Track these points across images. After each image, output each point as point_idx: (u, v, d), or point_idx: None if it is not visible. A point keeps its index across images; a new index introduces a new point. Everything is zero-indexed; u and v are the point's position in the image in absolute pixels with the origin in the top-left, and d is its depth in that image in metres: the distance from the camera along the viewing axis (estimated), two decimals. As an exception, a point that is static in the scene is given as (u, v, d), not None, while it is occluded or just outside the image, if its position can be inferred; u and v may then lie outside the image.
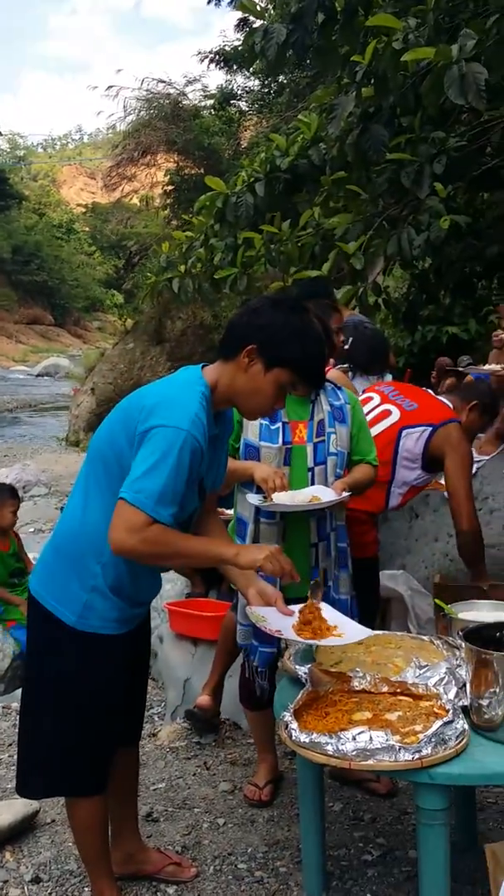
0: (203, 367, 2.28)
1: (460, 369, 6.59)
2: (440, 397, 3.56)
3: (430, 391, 3.66)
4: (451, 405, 3.50)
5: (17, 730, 2.54)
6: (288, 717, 2.12)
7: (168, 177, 17.68)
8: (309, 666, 2.37)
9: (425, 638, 2.62)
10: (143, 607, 2.45)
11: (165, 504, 2.05)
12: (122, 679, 2.37)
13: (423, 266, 6.20)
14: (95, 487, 2.25)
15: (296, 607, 2.43)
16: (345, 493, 2.82)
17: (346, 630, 2.39)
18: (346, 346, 4.43)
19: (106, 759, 2.39)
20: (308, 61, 7.09)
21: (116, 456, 2.19)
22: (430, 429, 3.34)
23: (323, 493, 2.81)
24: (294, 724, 2.08)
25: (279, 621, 2.31)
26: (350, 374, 4.55)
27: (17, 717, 2.63)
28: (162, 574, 2.53)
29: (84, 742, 2.31)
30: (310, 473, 2.87)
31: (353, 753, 1.94)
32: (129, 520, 2.04)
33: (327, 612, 2.44)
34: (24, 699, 2.43)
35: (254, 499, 2.79)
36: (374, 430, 3.35)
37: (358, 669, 2.34)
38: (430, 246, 4.82)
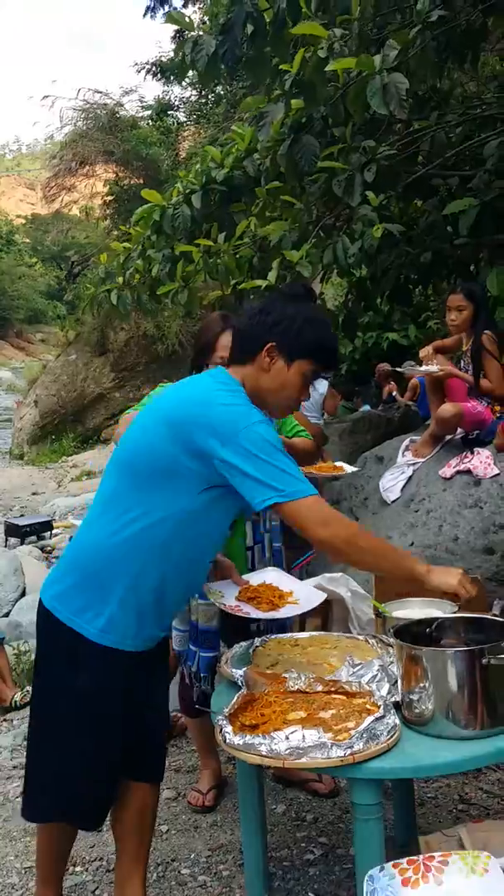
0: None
1: (400, 370, 6.69)
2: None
3: None
4: None
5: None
6: (222, 720, 2.14)
7: (108, 187, 17.64)
8: (244, 669, 2.40)
9: (361, 637, 2.67)
10: (165, 631, 2.35)
11: (302, 477, 2.08)
12: (133, 702, 2.25)
13: (360, 274, 6.29)
14: (126, 503, 2.15)
15: (250, 575, 2.64)
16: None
17: (300, 595, 2.55)
18: None
19: (104, 790, 2.27)
20: (239, 73, 7.15)
21: (164, 471, 2.10)
22: None
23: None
24: (228, 728, 2.09)
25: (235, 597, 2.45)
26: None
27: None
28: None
29: (88, 767, 2.21)
30: None
31: (287, 752, 1.96)
32: (305, 513, 2.05)
33: (279, 578, 2.64)
34: (37, 718, 2.31)
35: None
36: None
37: (293, 670, 2.36)
38: (364, 254, 4.91)
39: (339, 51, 4.20)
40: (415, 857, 1.77)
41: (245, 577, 2.66)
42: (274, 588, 2.53)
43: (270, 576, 2.68)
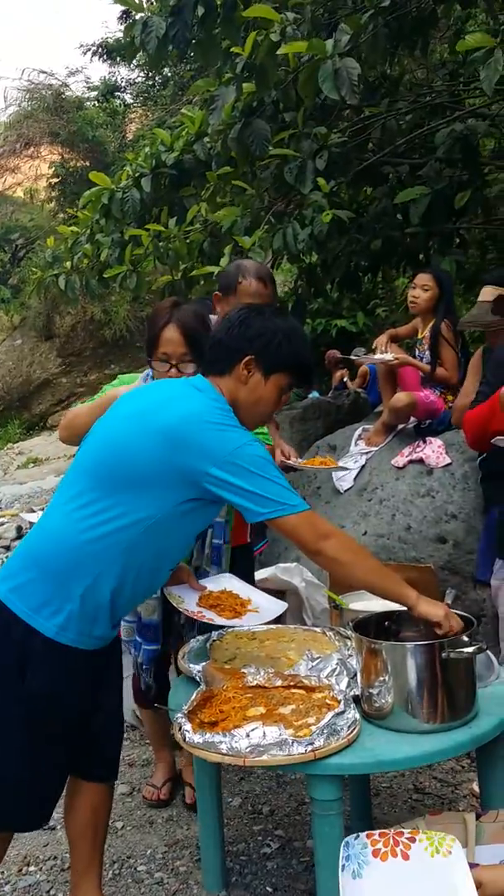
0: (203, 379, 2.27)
1: (352, 358, 6.70)
2: None
3: None
4: None
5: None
6: (181, 718, 2.11)
7: (53, 169, 17.33)
8: (203, 664, 2.37)
9: (318, 629, 2.65)
10: (115, 630, 2.29)
11: (294, 493, 2.11)
12: (86, 702, 2.22)
13: (310, 261, 6.27)
14: (101, 503, 2.12)
15: (208, 581, 2.64)
16: None
17: (259, 604, 2.56)
18: None
19: (49, 791, 2.24)
20: (188, 55, 7.06)
21: (149, 478, 2.09)
22: None
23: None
24: (188, 726, 2.07)
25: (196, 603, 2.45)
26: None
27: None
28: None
29: (35, 770, 2.16)
30: None
31: (248, 750, 1.95)
32: (304, 526, 2.09)
33: (237, 585, 2.63)
34: None
35: None
36: None
37: (251, 665, 2.34)
38: (314, 240, 4.88)
39: (292, 34, 4.16)
40: (386, 831, 1.85)
41: (203, 582, 2.64)
42: (235, 595, 2.52)
43: (231, 584, 2.65)
